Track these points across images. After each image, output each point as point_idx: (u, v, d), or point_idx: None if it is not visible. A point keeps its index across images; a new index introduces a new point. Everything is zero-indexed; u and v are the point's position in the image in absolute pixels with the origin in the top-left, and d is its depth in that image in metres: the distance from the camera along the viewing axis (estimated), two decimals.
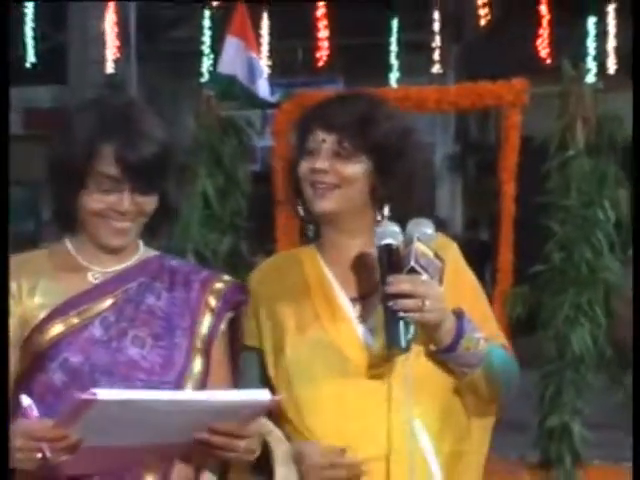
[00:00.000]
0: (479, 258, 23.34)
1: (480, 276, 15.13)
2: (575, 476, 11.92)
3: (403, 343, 4.60)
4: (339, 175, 4.82)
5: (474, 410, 4.99)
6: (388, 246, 4.68)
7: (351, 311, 4.86)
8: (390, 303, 4.59)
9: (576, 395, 12.02)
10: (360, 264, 4.93)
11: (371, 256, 4.83)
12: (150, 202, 4.62)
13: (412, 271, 4.63)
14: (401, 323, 4.59)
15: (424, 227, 4.75)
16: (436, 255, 4.74)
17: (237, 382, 4.80)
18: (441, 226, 22.38)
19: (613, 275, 11.48)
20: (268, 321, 4.92)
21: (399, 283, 4.59)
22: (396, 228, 4.72)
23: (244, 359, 4.95)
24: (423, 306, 4.60)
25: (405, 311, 4.58)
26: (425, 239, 4.71)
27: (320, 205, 4.86)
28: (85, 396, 4.09)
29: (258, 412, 4.46)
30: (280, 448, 4.64)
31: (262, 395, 4.38)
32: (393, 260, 4.66)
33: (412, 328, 4.62)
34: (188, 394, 4.53)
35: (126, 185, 4.54)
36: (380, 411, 4.77)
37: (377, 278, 4.74)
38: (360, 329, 4.84)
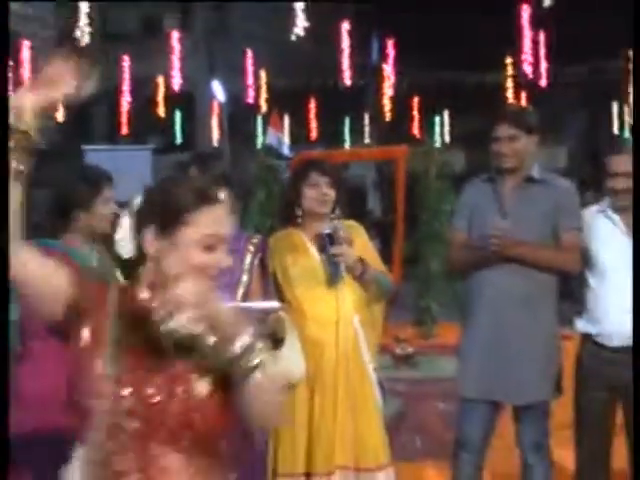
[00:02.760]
0: (389, 230, 23.30)
1: (388, 239, 14.44)
2: (433, 330, 11.83)
3: (338, 278, 4.72)
4: (330, 196, 4.80)
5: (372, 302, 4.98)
6: (328, 234, 4.71)
7: (317, 255, 4.84)
8: (332, 256, 4.70)
9: (429, 295, 12.01)
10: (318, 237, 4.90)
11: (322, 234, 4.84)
12: None
13: (339, 243, 4.70)
14: (336, 267, 4.72)
15: (340, 225, 4.78)
16: (348, 236, 4.80)
17: (267, 286, 4.80)
18: (371, 213, 21.86)
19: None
20: (278, 260, 4.86)
21: (335, 249, 4.67)
22: (328, 227, 4.75)
23: None
24: (346, 258, 4.69)
25: (339, 261, 4.69)
26: (342, 228, 4.75)
27: (322, 210, 4.83)
28: None
29: (271, 312, 4.56)
30: (290, 325, 4.66)
31: (274, 304, 4.47)
32: (331, 239, 4.70)
33: (342, 269, 4.72)
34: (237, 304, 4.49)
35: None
36: (336, 299, 4.75)
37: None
38: (323, 263, 4.82)
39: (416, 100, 23.55)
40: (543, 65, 20.59)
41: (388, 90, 20.92)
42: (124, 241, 2.72)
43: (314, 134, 28.06)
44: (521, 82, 20.76)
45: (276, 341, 4.61)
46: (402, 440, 6.96)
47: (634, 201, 4.54)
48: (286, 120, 27.79)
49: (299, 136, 25.60)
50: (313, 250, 4.86)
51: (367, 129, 27.21)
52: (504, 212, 4.76)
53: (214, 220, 2.65)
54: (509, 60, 20.59)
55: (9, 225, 2.54)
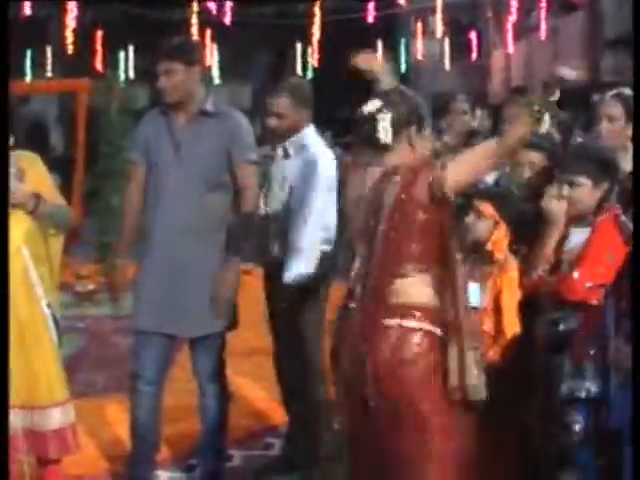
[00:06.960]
0: (70, 165, 22.59)
1: (69, 174, 13.74)
2: None
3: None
4: None
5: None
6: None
7: None
8: None
9: (111, 232, 11.85)
10: None
11: None
12: None
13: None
14: None
15: (12, 160, 4.42)
16: (18, 170, 4.48)
17: None
18: (53, 149, 20.74)
19: None
20: None
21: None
22: None
23: None
24: (16, 195, 4.42)
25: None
26: (12, 164, 4.41)
27: None
28: None
29: None
30: None
31: None
32: None
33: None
34: None
35: None
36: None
37: None
38: None
39: (100, 34, 23.07)
40: (228, 4, 20.76)
41: (71, 22, 20.35)
42: None
43: None
44: (205, 19, 20.87)
45: None
46: (83, 377, 6.97)
47: (634, 201, 3.95)
48: None
49: None
50: None
51: (49, 62, 26.43)
52: (177, 145, 4.77)
53: None
54: None
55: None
